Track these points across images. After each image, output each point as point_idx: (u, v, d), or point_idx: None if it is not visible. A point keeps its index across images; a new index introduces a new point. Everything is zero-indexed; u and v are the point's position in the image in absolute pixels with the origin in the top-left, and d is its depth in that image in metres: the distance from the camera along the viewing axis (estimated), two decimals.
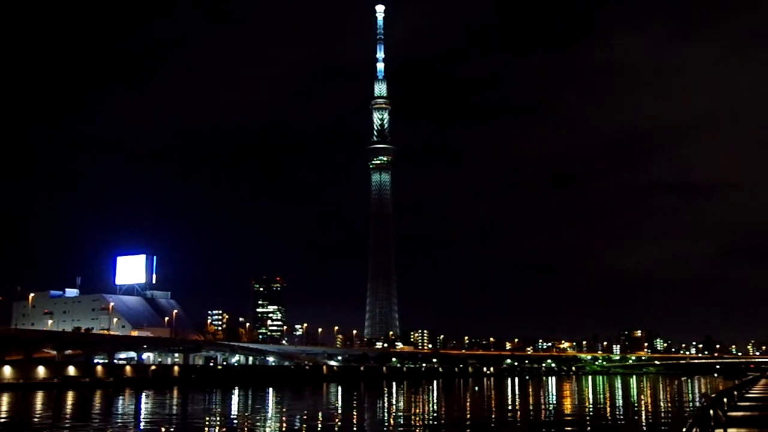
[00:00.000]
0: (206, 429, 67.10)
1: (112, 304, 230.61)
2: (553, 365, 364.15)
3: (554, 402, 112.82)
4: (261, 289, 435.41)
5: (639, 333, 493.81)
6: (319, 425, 70.49)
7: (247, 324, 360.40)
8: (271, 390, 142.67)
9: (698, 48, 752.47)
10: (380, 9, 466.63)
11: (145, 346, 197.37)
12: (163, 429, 67.02)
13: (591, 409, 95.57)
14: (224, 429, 67.89)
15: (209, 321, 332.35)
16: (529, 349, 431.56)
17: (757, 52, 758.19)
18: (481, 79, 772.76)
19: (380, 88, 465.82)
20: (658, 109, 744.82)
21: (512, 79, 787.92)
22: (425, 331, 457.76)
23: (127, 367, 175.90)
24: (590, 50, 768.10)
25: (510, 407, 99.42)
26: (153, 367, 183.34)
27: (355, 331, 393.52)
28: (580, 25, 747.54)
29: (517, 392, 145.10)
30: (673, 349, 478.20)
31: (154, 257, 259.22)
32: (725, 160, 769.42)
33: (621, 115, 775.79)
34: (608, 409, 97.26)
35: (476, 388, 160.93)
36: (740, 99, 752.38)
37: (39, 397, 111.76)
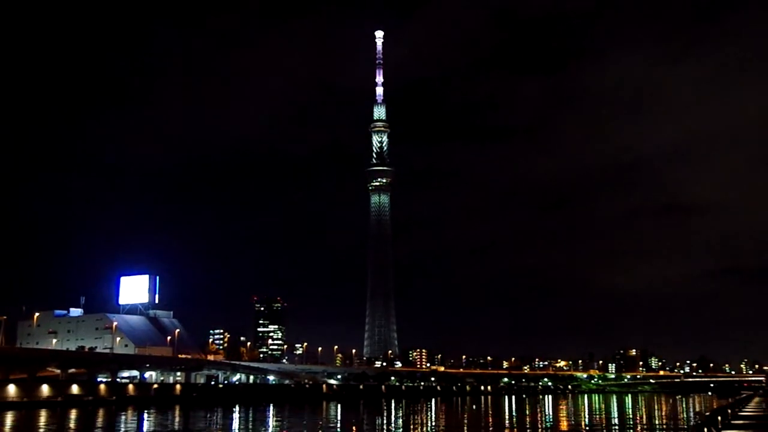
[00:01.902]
0: None
1: (115, 323, 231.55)
2: (550, 384, 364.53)
3: (551, 419, 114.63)
4: (262, 308, 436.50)
5: (634, 352, 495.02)
6: None
7: (248, 343, 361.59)
8: (271, 408, 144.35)
9: (689, 70, 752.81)
10: (379, 35, 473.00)
11: (147, 365, 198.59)
12: None
13: (588, 427, 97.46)
14: None
15: (211, 340, 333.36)
16: (526, 367, 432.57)
17: (748, 73, 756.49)
18: (478, 102, 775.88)
19: (379, 112, 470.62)
20: (651, 131, 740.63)
21: (508, 102, 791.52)
22: (423, 350, 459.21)
23: (130, 386, 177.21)
24: (583, 73, 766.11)
25: (507, 425, 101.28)
26: (155, 386, 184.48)
27: (354, 350, 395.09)
28: (574, 48, 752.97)
29: (514, 410, 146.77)
30: (667, 368, 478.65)
31: (157, 277, 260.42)
32: (718, 179, 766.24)
33: (614, 137, 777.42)
34: (604, 427, 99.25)
35: (474, 407, 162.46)
36: (732, 119, 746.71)
37: (42, 416, 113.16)
